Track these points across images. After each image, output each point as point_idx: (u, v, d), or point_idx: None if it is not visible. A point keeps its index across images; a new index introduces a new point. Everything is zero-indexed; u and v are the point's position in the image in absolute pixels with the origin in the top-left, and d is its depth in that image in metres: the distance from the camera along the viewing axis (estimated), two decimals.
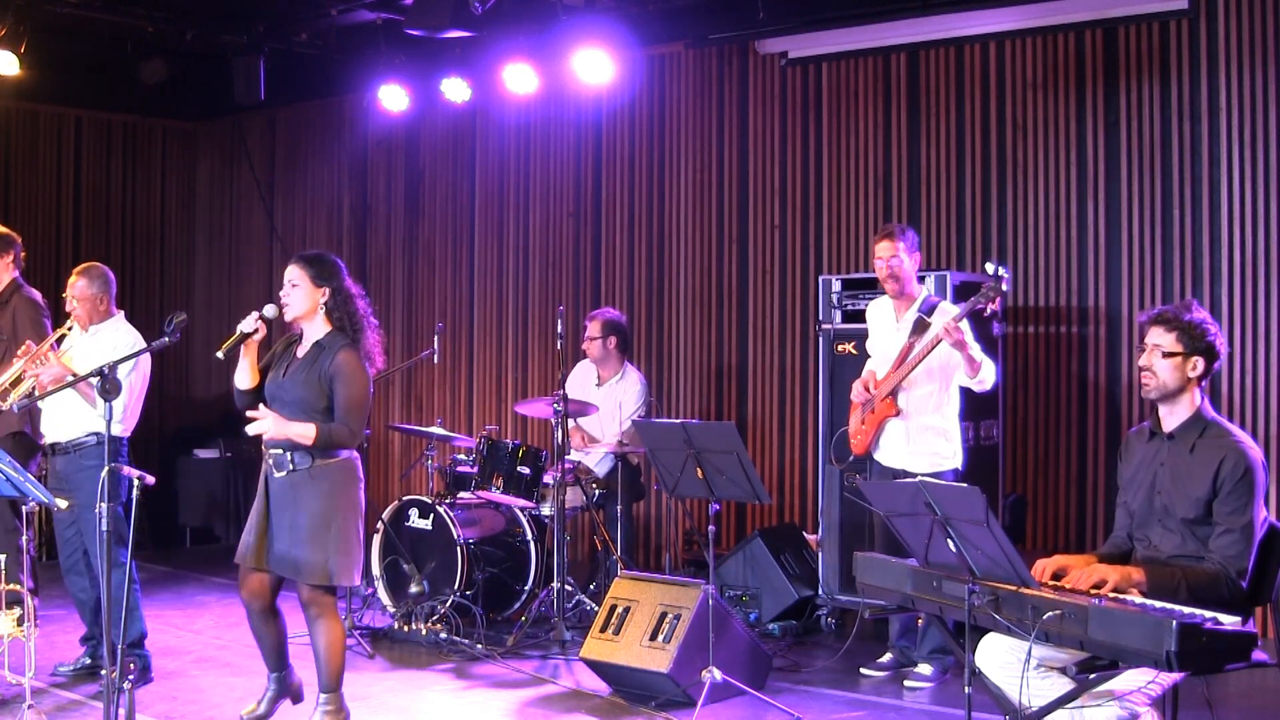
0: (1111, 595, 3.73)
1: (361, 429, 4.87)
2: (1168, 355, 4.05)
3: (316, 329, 4.94)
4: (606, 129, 9.20)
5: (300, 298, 4.91)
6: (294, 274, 4.94)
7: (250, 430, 4.78)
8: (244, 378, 4.94)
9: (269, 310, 4.90)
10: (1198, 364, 4.05)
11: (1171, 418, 4.12)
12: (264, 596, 4.93)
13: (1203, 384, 4.10)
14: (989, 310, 5.57)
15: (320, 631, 4.87)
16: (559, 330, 6.82)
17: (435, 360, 8.26)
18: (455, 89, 8.61)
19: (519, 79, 8.23)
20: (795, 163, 8.36)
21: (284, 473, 4.81)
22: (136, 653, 5.79)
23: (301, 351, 4.94)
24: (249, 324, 4.84)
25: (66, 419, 5.75)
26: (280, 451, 4.81)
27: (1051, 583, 3.92)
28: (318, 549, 4.77)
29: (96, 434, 5.60)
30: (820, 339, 7.06)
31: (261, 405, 4.84)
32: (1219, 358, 4.10)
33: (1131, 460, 4.26)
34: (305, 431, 4.73)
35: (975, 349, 5.66)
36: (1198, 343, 4.05)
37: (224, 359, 4.90)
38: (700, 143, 8.78)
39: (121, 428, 5.73)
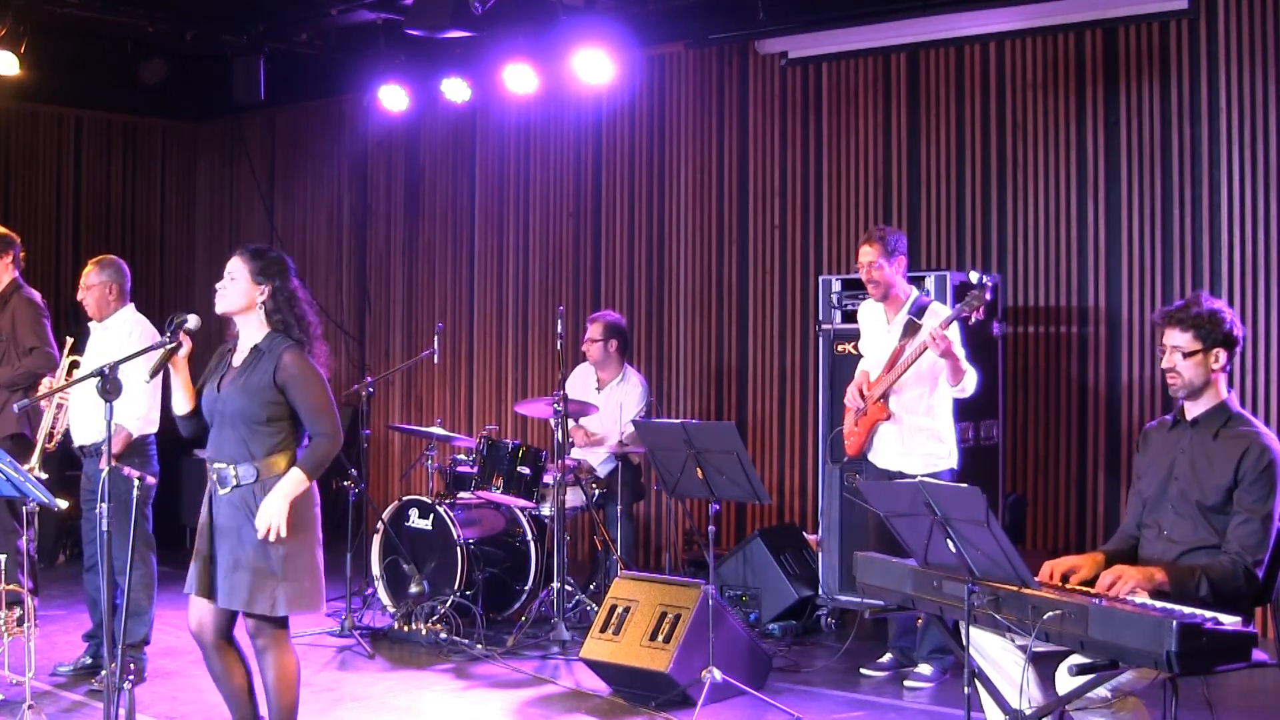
0: (1115, 595, 3.73)
1: (337, 428, 4.37)
2: (1189, 354, 4.06)
3: (252, 332, 4.43)
4: (606, 129, 9.20)
5: (235, 291, 4.40)
6: (233, 266, 4.43)
7: (262, 531, 4.25)
8: (180, 401, 4.48)
9: (192, 321, 4.40)
10: (1219, 355, 4.06)
11: (1195, 407, 4.13)
12: (213, 630, 4.41)
13: (1227, 369, 4.11)
14: (973, 318, 5.56)
15: (268, 666, 4.37)
16: (559, 330, 6.82)
17: (435, 360, 8.26)
18: (455, 89, 8.61)
19: (519, 79, 8.23)
20: (795, 163, 8.36)
21: (228, 489, 4.33)
22: (135, 654, 5.79)
23: (238, 359, 4.44)
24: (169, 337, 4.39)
25: (91, 420, 5.77)
26: (224, 465, 4.35)
27: (1064, 584, 3.92)
28: (263, 575, 4.27)
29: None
30: (820, 339, 7.06)
31: (262, 507, 4.28)
32: (1238, 343, 4.11)
33: (1148, 451, 4.27)
34: (297, 480, 4.28)
35: (961, 357, 5.66)
36: (1215, 334, 4.05)
37: (148, 381, 4.62)
38: (700, 143, 8.77)
39: (138, 425, 5.77)
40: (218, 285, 4.44)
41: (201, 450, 4.43)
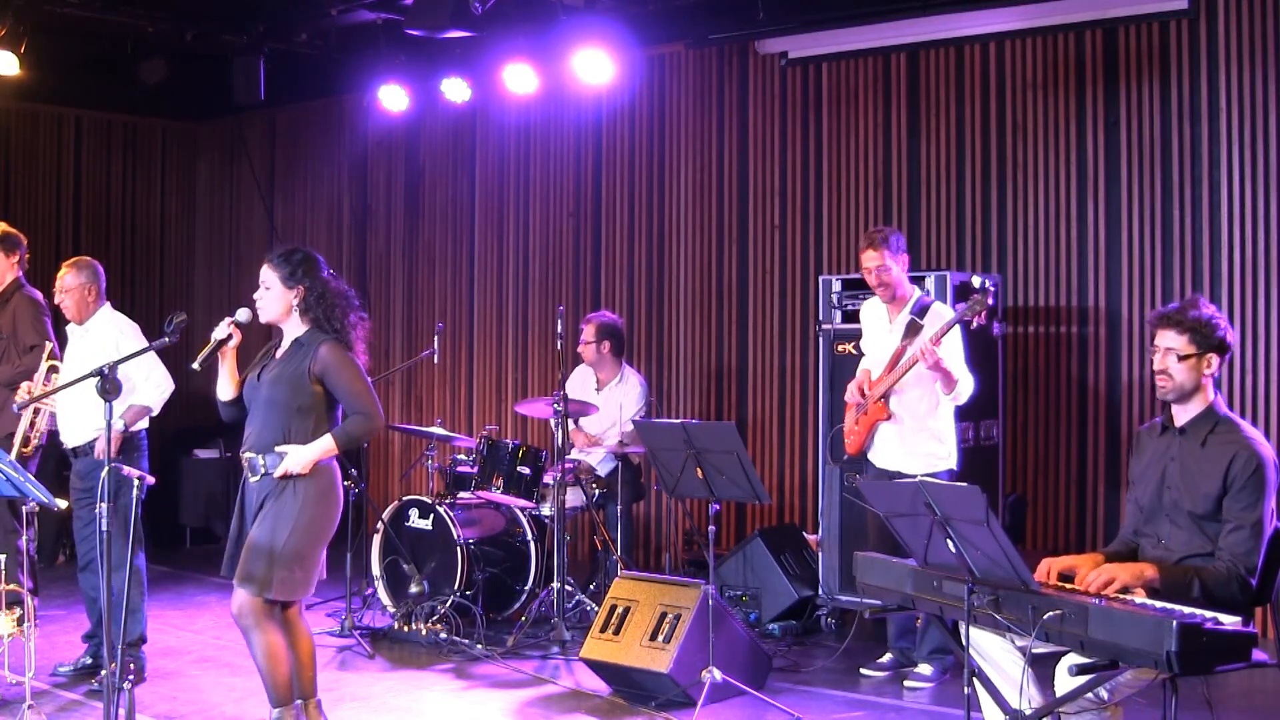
0: (1113, 595, 3.73)
1: (375, 407, 4.63)
2: (1183, 358, 4.05)
3: (294, 328, 4.72)
4: (606, 129, 9.20)
5: (272, 300, 4.69)
6: (265, 275, 4.70)
7: (279, 474, 4.54)
8: (224, 388, 4.77)
9: (242, 315, 4.69)
10: (1211, 361, 4.06)
11: (1184, 413, 4.12)
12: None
13: (1216, 376, 4.10)
14: (975, 323, 5.56)
15: (254, 644, 4.58)
16: (559, 330, 6.82)
17: (435, 360, 8.26)
18: (455, 89, 8.61)
19: (519, 79, 8.23)
20: (795, 163, 8.36)
21: (257, 477, 4.60)
22: (134, 653, 5.79)
23: (280, 351, 4.73)
24: (222, 330, 4.66)
25: (81, 421, 5.77)
26: (254, 455, 4.61)
27: (1058, 583, 3.92)
28: (266, 556, 4.50)
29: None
30: (820, 339, 7.06)
31: (278, 447, 4.58)
32: (1229, 350, 4.11)
33: (1142, 456, 4.26)
34: (326, 447, 4.55)
35: (956, 367, 5.65)
36: (1210, 340, 4.05)
37: (200, 369, 4.71)
38: (700, 143, 8.77)
39: (159, 397, 5.82)
40: (255, 296, 4.71)
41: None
